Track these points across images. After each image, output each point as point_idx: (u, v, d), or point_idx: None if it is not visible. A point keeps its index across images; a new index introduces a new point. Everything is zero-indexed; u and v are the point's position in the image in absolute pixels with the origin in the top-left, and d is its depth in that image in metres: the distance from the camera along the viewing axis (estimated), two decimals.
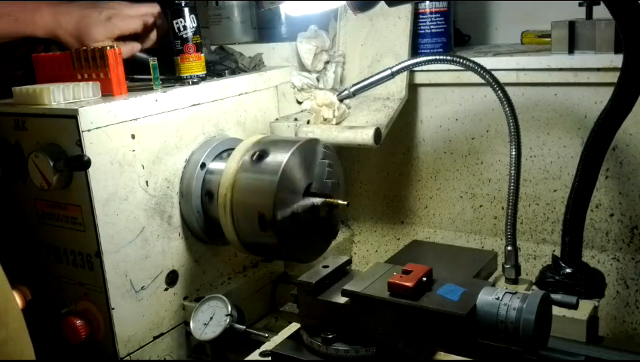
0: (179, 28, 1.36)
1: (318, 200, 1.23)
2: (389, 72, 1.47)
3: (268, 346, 1.10)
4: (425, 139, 1.67)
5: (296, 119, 1.53)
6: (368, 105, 1.57)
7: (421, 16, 1.58)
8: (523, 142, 1.28)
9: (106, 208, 1.17)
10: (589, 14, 1.43)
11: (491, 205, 1.61)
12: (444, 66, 1.49)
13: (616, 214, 1.46)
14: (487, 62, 1.39)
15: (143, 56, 1.40)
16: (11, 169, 1.24)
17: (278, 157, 1.19)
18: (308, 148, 1.23)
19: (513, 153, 1.26)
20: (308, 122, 1.53)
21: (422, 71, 1.58)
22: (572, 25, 1.42)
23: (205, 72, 1.41)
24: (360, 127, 1.46)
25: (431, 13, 1.57)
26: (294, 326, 1.10)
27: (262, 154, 1.20)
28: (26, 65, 1.45)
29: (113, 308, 1.20)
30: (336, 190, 1.27)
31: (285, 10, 1.62)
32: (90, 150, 1.14)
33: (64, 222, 1.22)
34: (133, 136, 1.22)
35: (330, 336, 0.99)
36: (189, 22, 1.36)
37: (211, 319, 1.26)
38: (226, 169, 1.24)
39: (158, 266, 1.29)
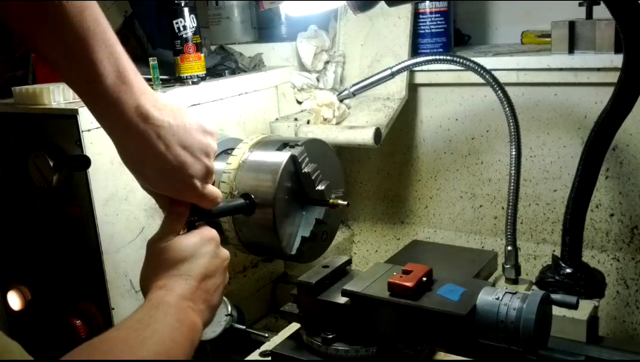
0: (179, 28, 1.36)
1: (317, 201, 1.22)
2: (389, 72, 1.47)
3: (268, 346, 1.10)
4: (425, 139, 1.67)
5: (296, 119, 1.53)
6: (368, 105, 1.57)
7: (421, 16, 1.58)
8: (523, 142, 1.28)
9: (106, 208, 1.17)
10: (589, 14, 1.43)
11: (491, 205, 1.61)
12: (444, 66, 1.49)
13: (617, 214, 1.46)
14: (487, 62, 1.39)
15: None
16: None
17: (278, 158, 1.19)
18: (308, 149, 1.22)
19: (513, 153, 1.26)
20: (308, 122, 1.53)
21: (422, 71, 1.58)
22: (572, 25, 1.42)
23: (205, 72, 1.41)
24: (360, 127, 1.46)
25: (431, 13, 1.57)
26: (294, 326, 1.10)
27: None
28: (26, 65, 1.45)
29: (113, 308, 1.20)
30: (335, 190, 1.27)
31: (285, 10, 1.62)
32: (90, 150, 1.14)
33: (64, 222, 1.22)
34: None
35: (330, 336, 0.99)
36: (188, 22, 1.36)
37: None
38: (226, 169, 1.24)
39: None
